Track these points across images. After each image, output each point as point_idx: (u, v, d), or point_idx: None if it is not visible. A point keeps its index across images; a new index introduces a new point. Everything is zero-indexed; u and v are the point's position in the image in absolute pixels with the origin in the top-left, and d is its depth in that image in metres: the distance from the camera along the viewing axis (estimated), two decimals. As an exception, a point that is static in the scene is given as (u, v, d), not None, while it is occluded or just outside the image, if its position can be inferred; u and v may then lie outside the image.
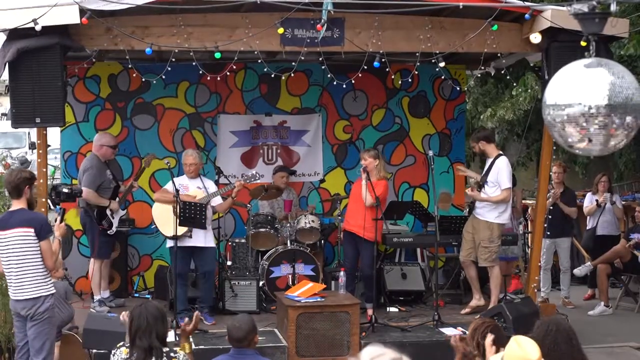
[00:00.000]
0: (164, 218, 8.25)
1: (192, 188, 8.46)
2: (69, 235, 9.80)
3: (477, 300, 8.83)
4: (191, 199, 8.25)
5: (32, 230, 6.30)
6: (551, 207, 10.35)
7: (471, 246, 8.69)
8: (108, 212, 8.70)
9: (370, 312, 8.30)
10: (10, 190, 6.47)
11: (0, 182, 8.25)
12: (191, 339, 5.64)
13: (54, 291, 6.53)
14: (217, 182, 8.97)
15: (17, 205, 6.42)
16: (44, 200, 7.82)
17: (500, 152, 8.78)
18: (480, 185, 8.60)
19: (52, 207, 8.24)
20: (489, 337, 4.61)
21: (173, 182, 8.09)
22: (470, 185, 8.68)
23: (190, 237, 8.25)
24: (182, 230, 8.07)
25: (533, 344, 3.89)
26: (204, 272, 8.49)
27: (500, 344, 4.43)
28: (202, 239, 8.32)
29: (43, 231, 6.36)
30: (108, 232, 8.73)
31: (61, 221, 6.73)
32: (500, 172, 8.50)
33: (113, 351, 4.87)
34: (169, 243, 8.33)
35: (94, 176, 8.63)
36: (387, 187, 8.75)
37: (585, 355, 4.18)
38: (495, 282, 8.67)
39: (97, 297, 8.68)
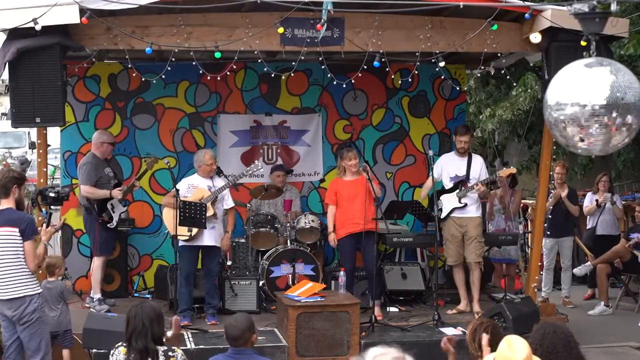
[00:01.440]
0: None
1: (203, 187, 8.43)
2: (69, 235, 9.81)
3: (464, 306, 8.86)
4: (197, 199, 8.26)
5: (17, 229, 6.26)
6: (552, 207, 10.37)
7: (460, 250, 8.70)
8: (109, 205, 8.68)
9: (377, 310, 8.31)
10: None
11: None
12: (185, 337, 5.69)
13: (40, 291, 6.48)
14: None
15: (5, 204, 6.37)
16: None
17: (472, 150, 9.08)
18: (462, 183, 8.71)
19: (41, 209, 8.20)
20: (484, 337, 4.61)
21: (176, 188, 8.04)
22: (481, 182, 8.67)
23: (192, 237, 8.24)
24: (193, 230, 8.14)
25: (523, 344, 3.87)
26: (210, 272, 8.45)
27: (497, 343, 4.43)
28: (213, 238, 8.33)
29: (27, 231, 6.30)
30: (108, 225, 8.66)
31: (47, 225, 6.66)
32: (482, 169, 8.77)
33: (112, 351, 4.88)
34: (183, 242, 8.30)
35: (89, 171, 8.61)
36: None
37: (584, 357, 4.16)
38: (478, 279, 8.78)
39: (96, 296, 8.68)
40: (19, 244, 6.29)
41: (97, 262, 8.71)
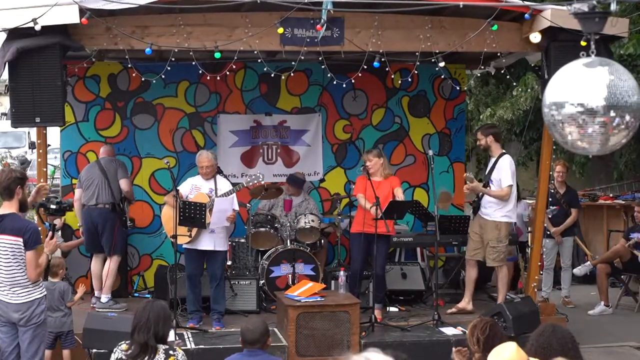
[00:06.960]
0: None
1: (205, 190, 8.28)
2: (68, 235, 9.79)
3: (465, 304, 8.81)
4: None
5: (21, 239, 6.06)
6: (551, 207, 10.37)
7: (478, 246, 8.66)
8: (126, 206, 8.97)
9: (378, 312, 8.31)
10: (1, 191, 6.20)
11: None
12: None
13: (45, 293, 6.36)
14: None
15: (8, 207, 6.15)
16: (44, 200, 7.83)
17: (504, 151, 8.79)
18: (486, 184, 8.62)
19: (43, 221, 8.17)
20: None
21: (176, 189, 7.98)
22: (469, 178, 8.65)
23: (190, 236, 8.18)
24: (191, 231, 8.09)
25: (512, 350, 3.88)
26: (213, 276, 8.30)
27: (497, 343, 4.43)
28: (214, 242, 8.19)
29: (31, 241, 6.10)
30: (128, 224, 9.01)
31: (52, 237, 6.49)
32: (503, 169, 8.51)
33: (115, 348, 4.90)
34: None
35: (127, 170, 9.10)
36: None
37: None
38: (503, 282, 8.67)
39: (107, 296, 8.69)
40: (23, 253, 6.10)
41: (115, 263, 8.78)
